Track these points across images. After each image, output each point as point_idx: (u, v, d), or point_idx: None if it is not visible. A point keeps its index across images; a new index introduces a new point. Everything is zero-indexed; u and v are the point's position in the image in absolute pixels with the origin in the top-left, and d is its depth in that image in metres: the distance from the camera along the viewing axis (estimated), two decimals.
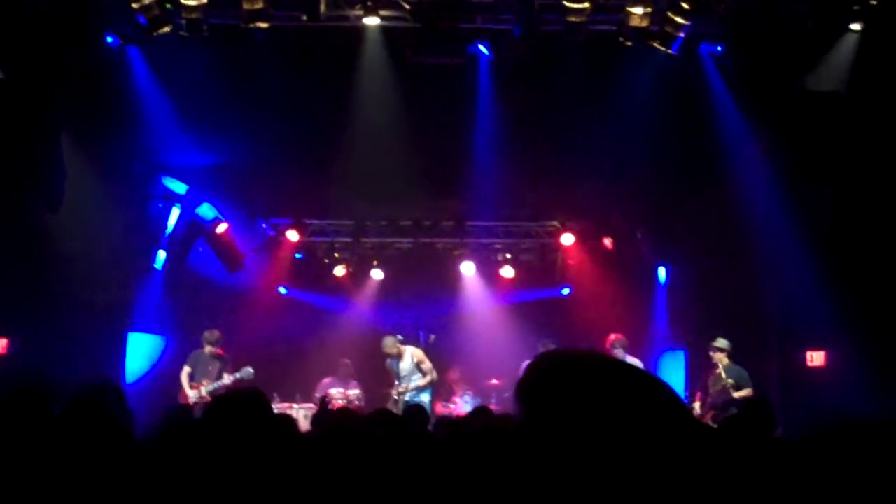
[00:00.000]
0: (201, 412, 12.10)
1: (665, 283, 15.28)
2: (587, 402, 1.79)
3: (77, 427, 4.31)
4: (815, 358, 12.82)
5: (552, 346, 14.18)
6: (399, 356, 13.87)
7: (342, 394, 14.14)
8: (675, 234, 14.53)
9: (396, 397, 13.64)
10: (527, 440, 1.82)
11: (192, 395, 12.92)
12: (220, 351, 13.36)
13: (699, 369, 12.59)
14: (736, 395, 11.95)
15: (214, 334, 13.35)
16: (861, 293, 11.82)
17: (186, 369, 13.18)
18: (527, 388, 1.87)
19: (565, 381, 1.83)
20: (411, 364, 13.78)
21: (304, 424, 13.00)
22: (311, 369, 14.92)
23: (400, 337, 13.85)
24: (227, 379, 13.04)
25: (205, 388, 12.94)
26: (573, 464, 1.75)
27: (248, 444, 3.67)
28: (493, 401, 14.81)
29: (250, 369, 13.24)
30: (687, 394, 12.79)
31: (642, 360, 13.07)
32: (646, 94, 12.53)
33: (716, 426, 11.40)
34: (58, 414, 4.57)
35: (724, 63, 12.45)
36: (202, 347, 13.32)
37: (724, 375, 12.07)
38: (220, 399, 3.88)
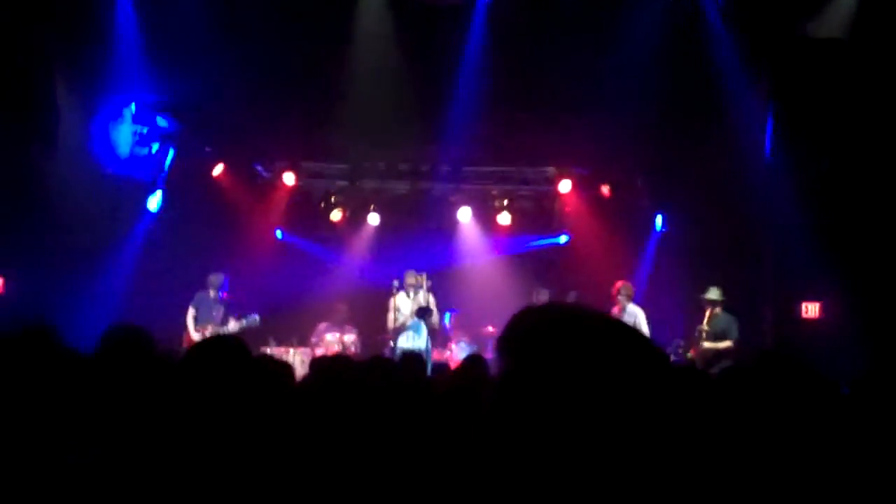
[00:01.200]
0: None
1: (662, 230, 15.21)
2: (567, 357, 1.75)
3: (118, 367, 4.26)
4: (811, 309, 12.79)
5: (545, 295, 14.21)
6: (416, 288, 13.76)
7: (338, 338, 14.17)
8: (674, 182, 14.46)
9: (395, 329, 13.56)
10: (504, 394, 1.79)
11: (196, 337, 12.95)
12: (225, 294, 13.35)
13: (694, 319, 12.56)
14: (707, 344, 12.03)
15: (219, 277, 13.40)
16: (858, 244, 11.79)
17: (191, 311, 13.21)
18: (506, 341, 1.84)
19: (545, 336, 1.79)
20: (423, 303, 13.64)
21: (301, 370, 13.05)
22: (307, 314, 14.89)
23: (396, 282, 13.78)
24: (232, 324, 13.08)
25: (209, 332, 12.93)
26: (551, 418, 1.72)
27: (232, 391, 3.64)
28: (489, 348, 14.82)
29: (256, 317, 13.27)
30: (681, 342, 12.78)
31: (644, 308, 13.06)
32: (646, 39, 12.40)
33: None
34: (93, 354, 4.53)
35: (725, 8, 12.29)
36: (206, 289, 13.30)
37: (703, 327, 12.17)
38: (198, 346, 3.81)
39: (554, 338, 1.79)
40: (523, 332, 1.83)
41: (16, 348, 4.88)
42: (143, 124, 13.76)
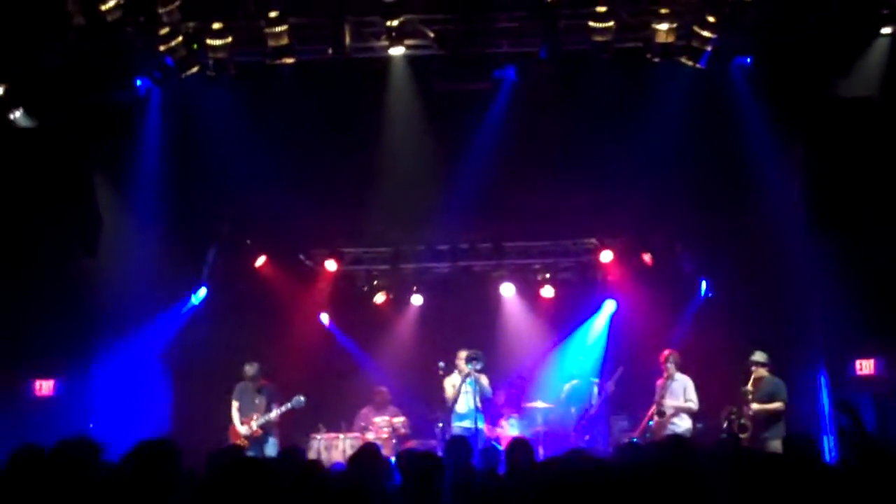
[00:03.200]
0: (252, 446, 12.36)
1: (706, 295, 15.10)
2: None
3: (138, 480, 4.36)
4: (865, 366, 12.56)
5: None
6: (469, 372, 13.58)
7: (387, 421, 14.11)
8: (714, 248, 14.39)
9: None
10: None
11: (243, 430, 12.99)
12: (264, 381, 13.39)
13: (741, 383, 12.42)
14: (755, 406, 11.93)
15: (254, 366, 13.39)
16: None
17: (235, 404, 13.24)
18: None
19: None
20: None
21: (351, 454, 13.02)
22: (350, 398, 14.93)
23: (442, 364, 13.74)
24: (275, 411, 13.09)
25: (255, 422, 13.02)
26: None
27: None
28: (540, 422, 14.72)
29: (301, 398, 13.25)
30: (732, 409, 12.60)
31: (690, 376, 12.94)
32: (677, 109, 12.44)
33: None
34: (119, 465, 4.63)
35: (753, 74, 12.30)
36: (244, 381, 13.36)
37: (748, 388, 12.09)
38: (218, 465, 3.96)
39: None
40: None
41: (55, 461, 4.99)
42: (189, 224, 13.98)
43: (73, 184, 11.78)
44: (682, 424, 12.69)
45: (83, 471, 5.16)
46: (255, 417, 13.07)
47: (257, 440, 12.94)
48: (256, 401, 13.22)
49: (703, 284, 15.13)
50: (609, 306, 16.29)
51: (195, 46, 11.31)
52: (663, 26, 11.26)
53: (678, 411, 12.71)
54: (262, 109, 12.33)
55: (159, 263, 13.28)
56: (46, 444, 5.38)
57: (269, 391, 13.32)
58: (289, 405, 13.16)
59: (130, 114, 12.26)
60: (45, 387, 12.00)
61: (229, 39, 11.23)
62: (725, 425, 12.45)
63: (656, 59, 11.64)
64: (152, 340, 13.53)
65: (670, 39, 11.35)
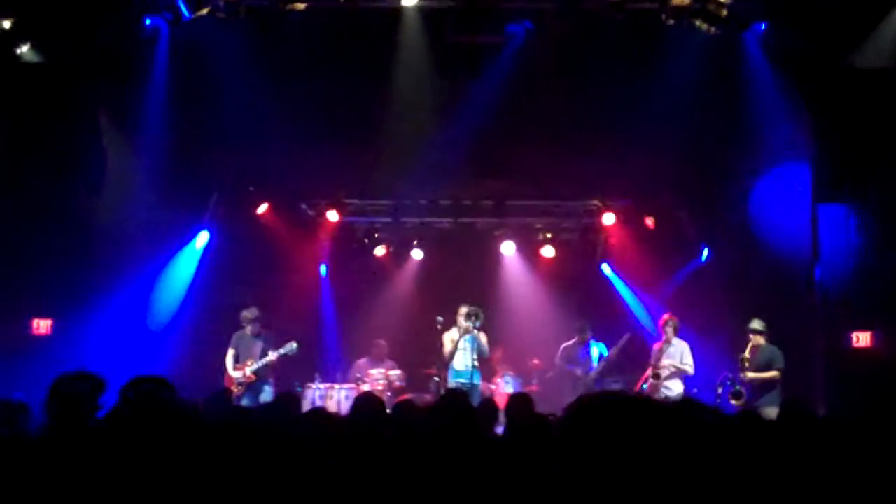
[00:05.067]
0: (247, 392, 12.39)
1: (707, 261, 15.09)
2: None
3: (140, 418, 4.34)
4: (862, 339, 12.57)
5: (586, 328, 14.16)
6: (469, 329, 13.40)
7: (383, 374, 14.17)
8: (717, 214, 14.38)
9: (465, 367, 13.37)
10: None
11: (236, 375, 12.98)
12: (263, 328, 13.39)
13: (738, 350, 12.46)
14: (751, 374, 12.02)
15: (253, 312, 13.30)
16: None
17: (231, 352, 13.22)
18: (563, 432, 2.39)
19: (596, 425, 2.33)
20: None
21: (346, 405, 13.07)
22: (348, 350, 14.97)
23: (440, 318, 13.73)
24: (271, 355, 13.03)
25: (249, 368, 12.99)
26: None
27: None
28: (535, 381, 14.80)
29: (294, 344, 13.19)
30: (729, 375, 12.64)
31: (688, 341, 12.98)
32: (687, 74, 12.33)
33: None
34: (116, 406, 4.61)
35: (767, 41, 12.19)
36: (243, 327, 13.35)
37: (745, 355, 12.21)
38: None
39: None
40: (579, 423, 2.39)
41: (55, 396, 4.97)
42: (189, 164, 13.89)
43: (78, 122, 11.71)
44: (675, 388, 12.76)
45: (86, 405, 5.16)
46: (248, 363, 13.06)
47: (252, 386, 12.94)
48: (253, 347, 13.19)
49: (705, 251, 15.11)
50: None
51: None
52: None
53: (673, 374, 12.76)
54: (270, 55, 12.18)
55: (162, 206, 13.23)
56: (43, 382, 5.36)
57: (267, 338, 13.27)
58: (281, 351, 13.11)
59: (139, 53, 12.12)
60: (42, 325, 11.99)
61: None
62: (720, 391, 12.54)
63: (671, 22, 11.53)
64: (151, 283, 13.50)
65: (686, 2, 11.25)
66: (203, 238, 14.46)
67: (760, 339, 12.30)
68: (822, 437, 4.84)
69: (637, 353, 13.86)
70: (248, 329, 13.26)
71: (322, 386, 13.71)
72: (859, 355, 12.08)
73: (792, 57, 11.91)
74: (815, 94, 11.96)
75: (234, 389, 12.68)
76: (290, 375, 13.57)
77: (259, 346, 13.17)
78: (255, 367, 12.97)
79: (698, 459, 2.35)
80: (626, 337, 13.93)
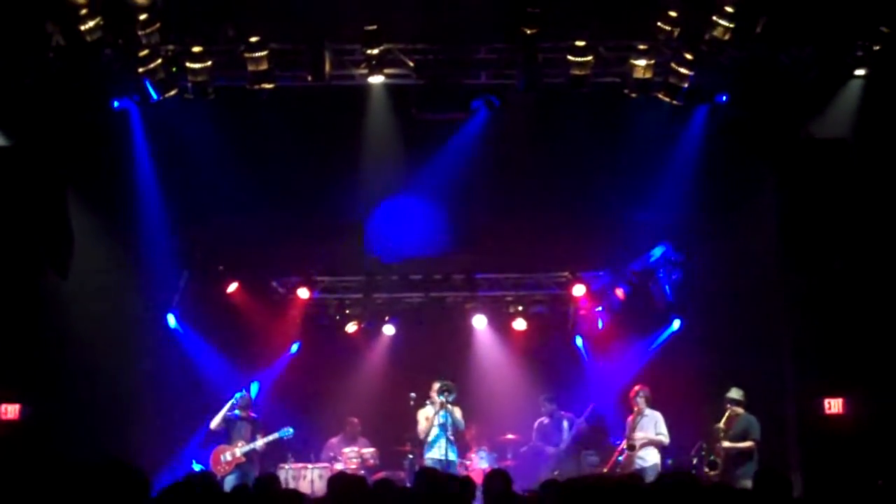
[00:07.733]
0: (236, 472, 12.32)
1: (678, 332, 15.11)
2: None
3: None
4: (834, 405, 12.60)
5: (551, 404, 14.17)
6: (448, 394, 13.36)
7: (356, 452, 14.00)
8: (688, 285, 14.44)
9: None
10: None
11: (225, 456, 13.08)
12: (250, 413, 13.43)
13: (714, 419, 12.44)
14: (726, 444, 12.00)
15: (245, 398, 13.45)
16: (879, 339, 11.73)
17: (219, 419, 13.28)
18: None
19: None
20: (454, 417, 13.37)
21: (319, 485, 12.91)
22: (324, 428, 14.81)
23: (413, 395, 13.66)
24: (259, 441, 13.13)
25: (239, 450, 13.10)
26: None
27: None
28: (509, 456, 14.64)
29: (290, 430, 13.40)
30: (703, 444, 12.61)
31: (662, 411, 12.95)
32: (652, 144, 12.53)
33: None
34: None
35: (728, 112, 12.43)
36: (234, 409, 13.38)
37: (720, 426, 12.18)
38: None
39: None
40: None
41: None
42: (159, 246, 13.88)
43: (46, 204, 11.69)
44: (650, 459, 12.68)
45: None
46: (239, 444, 13.10)
47: (241, 467, 12.97)
48: (243, 430, 13.28)
49: (676, 322, 15.14)
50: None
51: (174, 69, 11.28)
52: (641, 62, 11.36)
53: (648, 444, 12.70)
54: (240, 133, 12.31)
55: (131, 287, 13.16)
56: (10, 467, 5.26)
57: (256, 422, 13.40)
58: (276, 435, 13.21)
59: (107, 135, 12.18)
60: (10, 411, 11.79)
61: (209, 63, 11.21)
62: (695, 462, 12.51)
63: (634, 95, 11.74)
64: (123, 365, 13.36)
65: (648, 75, 11.45)
66: (172, 320, 14.40)
67: (738, 409, 12.25)
68: None
69: (611, 426, 13.82)
70: (239, 412, 13.27)
71: (295, 466, 13.54)
72: (831, 423, 12.13)
73: (752, 127, 12.15)
74: (777, 163, 12.18)
75: (221, 469, 12.87)
76: (263, 456, 13.43)
77: (248, 429, 13.23)
78: (245, 449, 13.13)
79: None
80: (591, 406, 13.92)
